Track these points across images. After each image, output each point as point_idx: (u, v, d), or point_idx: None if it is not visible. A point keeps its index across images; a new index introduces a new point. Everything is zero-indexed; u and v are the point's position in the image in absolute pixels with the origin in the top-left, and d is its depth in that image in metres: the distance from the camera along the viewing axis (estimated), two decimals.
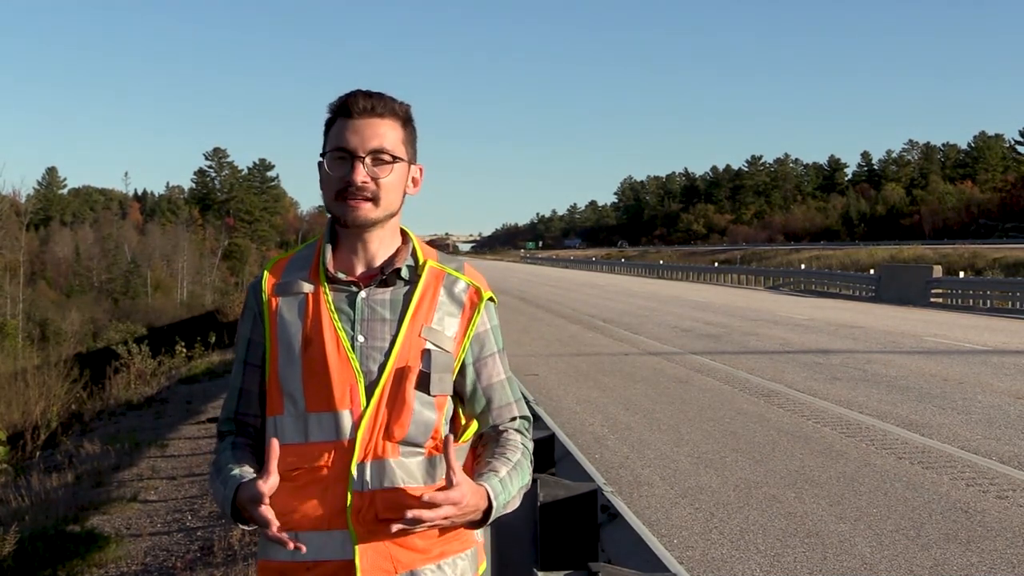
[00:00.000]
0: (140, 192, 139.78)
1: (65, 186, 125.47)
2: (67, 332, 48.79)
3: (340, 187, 1.89)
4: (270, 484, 1.77)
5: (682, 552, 5.72)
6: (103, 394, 19.49)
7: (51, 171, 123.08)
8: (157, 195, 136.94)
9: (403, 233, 2.01)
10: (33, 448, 14.16)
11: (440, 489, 1.77)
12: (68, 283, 78.26)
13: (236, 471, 1.88)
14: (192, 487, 8.74)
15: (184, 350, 24.01)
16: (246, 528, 1.86)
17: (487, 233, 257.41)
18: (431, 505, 1.74)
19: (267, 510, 1.76)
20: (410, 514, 1.73)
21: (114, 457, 10.51)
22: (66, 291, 74.10)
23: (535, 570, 3.37)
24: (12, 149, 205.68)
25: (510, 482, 1.89)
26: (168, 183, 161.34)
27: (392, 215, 1.95)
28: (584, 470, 3.97)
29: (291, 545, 1.76)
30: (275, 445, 1.79)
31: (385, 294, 1.92)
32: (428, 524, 1.77)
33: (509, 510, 1.92)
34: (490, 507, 1.83)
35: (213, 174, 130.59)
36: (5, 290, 56.22)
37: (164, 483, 9.07)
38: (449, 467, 1.77)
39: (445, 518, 1.76)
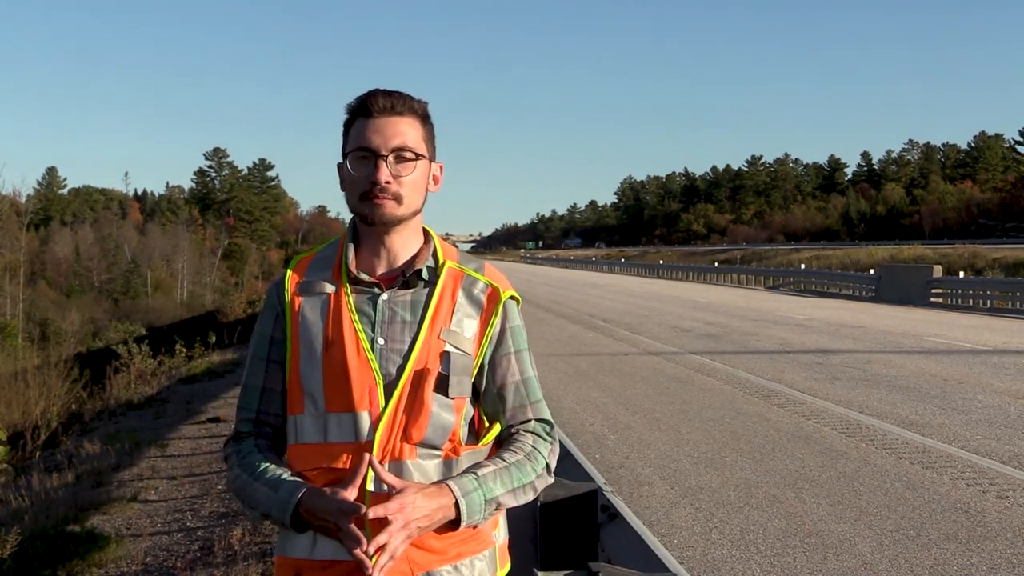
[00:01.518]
0: (140, 192, 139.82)
1: (65, 186, 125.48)
2: (67, 332, 48.77)
3: (364, 187, 1.90)
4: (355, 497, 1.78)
5: (682, 552, 5.72)
6: (103, 394, 19.46)
7: (51, 171, 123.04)
8: (157, 195, 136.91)
9: (425, 233, 2.01)
10: (33, 448, 14.14)
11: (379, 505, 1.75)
12: (68, 283, 78.27)
13: (285, 474, 1.87)
14: (192, 487, 8.74)
15: (184, 350, 23.96)
16: (300, 535, 1.85)
17: (487, 233, 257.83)
18: (383, 524, 1.72)
19: (355, 528, 1.74)
20: (372, 547, 1.71)
21: (114, 457, 10.49)
22: (66, 291, 74.12)
23: (535, 570, 3.37)
24: (12, 149, 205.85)
25: (494, 480, 1.87)
26: (168, 183, 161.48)
27: (416, 213, 1.95)
28: (584, 470, 3.96)
29: (369, 568, 1.72)
30: (366, 458, 1.78)
31: (406, 296, 1.92)
32: (402, 541, 1.75)
33: (498, 509, 1.90)
34: (458, 503, 1.81)
35: (213, 174, 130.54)
36: (5, 290, 56.25)
37: (164, 483, 9.06)
38: (382, 480, 1.77)
39: (405, 528, 1.75)
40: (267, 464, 1.90)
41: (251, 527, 6.83)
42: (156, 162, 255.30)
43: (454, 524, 1.83)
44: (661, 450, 8.63)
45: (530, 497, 1.96)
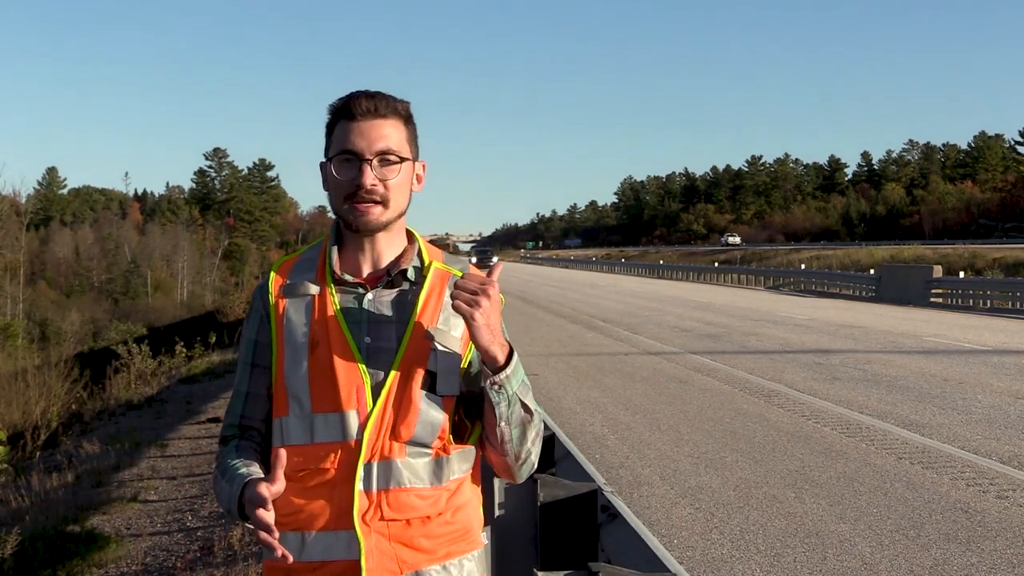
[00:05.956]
0: (140, 192, 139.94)
1: (65, 186, 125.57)
2: (67, 332, 48.80)
3: (349, 190, 1.90)
4: (274, 489, 1.77)
5: (682, 552, 5.72)
6: (103, 394, 19.46)
7: (51, 171, 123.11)
8: (157, 195, 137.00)
9: (409, 234, 2.02)
10: (33, 448, 14.14)
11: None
12: (68, 283, 78.30)
13: (243, 469, 1.88)
14: (192, 487, 8.74)
15: (184, 350, 23.95)
16: (249, 526, 1.85)
17: (487, 233, 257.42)
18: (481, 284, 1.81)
19: (264, 514, 1.75)
20: (483, 300, 1.79)
21: (114, 457, 10.49)
22: (66, 291, 74.16)
23: (535, 570, 3.37)
24: (12, 149, 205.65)
25: (525, 392, 1.89)
26: (168, 183, 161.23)
27: (400, 215, 1.96)
28: (584, 470, 3.96)
29: (279, 552, 1.75)
30: (282, 454, 1.79)
31: (391, 295, 1.93)
32: (490, 305, 1.80)
33: (525, 411, 1.87)
34: (511, 352, 1.85)
35: (213, 174, 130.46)
36: (5, 290, 56.31)
37: (164, 483, 9.06)
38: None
39: (493, 300, 1.80)
40: (236, 461, 1.91)
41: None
42: (156, 162, 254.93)
43: (495, 371, 1.83)
44: (661, 450, 8.64)
45: (531, 448, 1.92)
